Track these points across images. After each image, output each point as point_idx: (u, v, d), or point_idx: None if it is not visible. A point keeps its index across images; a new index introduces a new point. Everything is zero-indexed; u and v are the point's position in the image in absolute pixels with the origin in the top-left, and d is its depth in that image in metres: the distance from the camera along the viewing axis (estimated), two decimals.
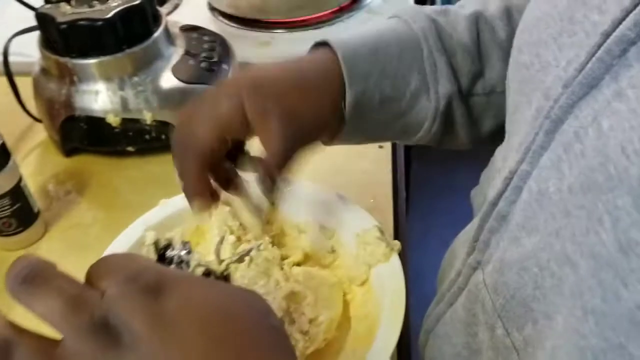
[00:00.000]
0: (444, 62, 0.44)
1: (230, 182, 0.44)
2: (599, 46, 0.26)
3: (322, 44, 0.46)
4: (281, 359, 0.25)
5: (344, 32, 0.85)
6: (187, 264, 0.39)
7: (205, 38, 0.71)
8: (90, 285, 0.24)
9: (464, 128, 0.47)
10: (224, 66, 0.69)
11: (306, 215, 0.53)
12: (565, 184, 0.27)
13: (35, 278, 0.23)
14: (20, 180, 0.57)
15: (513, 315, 0.30)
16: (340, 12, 0.88)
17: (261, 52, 0.83)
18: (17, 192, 0.56)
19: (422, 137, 0.47)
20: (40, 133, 0.72)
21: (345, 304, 0.48)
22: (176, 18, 0.91)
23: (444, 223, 1.76)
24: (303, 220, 0.53)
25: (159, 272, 0.24)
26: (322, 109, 0.42)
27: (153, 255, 0.40)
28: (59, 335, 0.23)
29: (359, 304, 0.47)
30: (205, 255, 0.47)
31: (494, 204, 0.33)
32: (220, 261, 0.45)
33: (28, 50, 0.74)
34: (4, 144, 0.54)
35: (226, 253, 0.48)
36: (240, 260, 0.45)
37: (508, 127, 0.37)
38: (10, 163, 0.55)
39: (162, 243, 0.40)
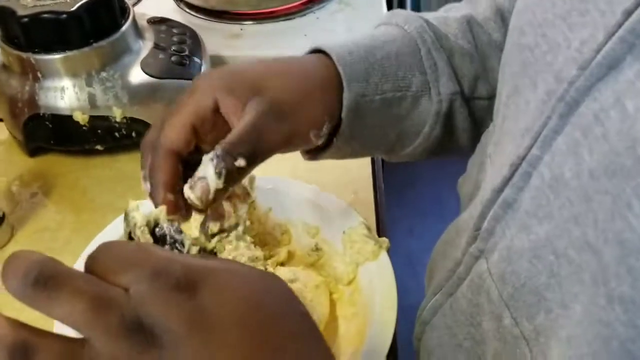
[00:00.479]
0: (444, 61, 0.43)
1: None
2: (620, 25, 0.25)
3: (313, 53, 0.44)
4: (315, 346, 0.25)
5: (316, 23, 0.84)
6: (182, 243, 0.37)
7: (175, 31, 0.69)
8: (106, 281, 0.22)
9: (466, 132, 0.45)
10: (196, 59, 0.67)
11: (288, 213, 0.52)
12: (585, 169, 0.26)
13: (48, 280, 0.21)
14: None
15: (523, 304, 0.29)
16: (311, 3, 0.86)
17: (231, 44, 0.81)
18: None
19: (419, 144, 0.45)
20: (1, 132, 0.69)
21: (332, 304, 0.47)
22: (141, 10, 0.88)
23: (410, 214, 1.79)
24: (285, 218, 0.52)
25: (185, 264, 0.23)
26: (311, 103, 0.40)
27: (148, 237, 0.38)
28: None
29: (346, 304, 0.47)
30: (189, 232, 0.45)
31: (499, 190, 0.32)
32: (210, 237, 0.43)
33: None
34: None
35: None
36: (227, 233, 0.43)
37: (503, 111, 0.36)
38: None
39: (152, 224, 0.38)
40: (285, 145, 0.39)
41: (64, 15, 0.57)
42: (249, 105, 0.37)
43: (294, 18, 0.85)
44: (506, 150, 0.34)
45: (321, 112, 0.40)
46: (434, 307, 0.40)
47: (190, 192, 0.35)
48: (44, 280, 0.21)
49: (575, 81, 0.27)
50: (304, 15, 0.85)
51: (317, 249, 0.50)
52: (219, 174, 0.34)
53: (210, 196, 0.35)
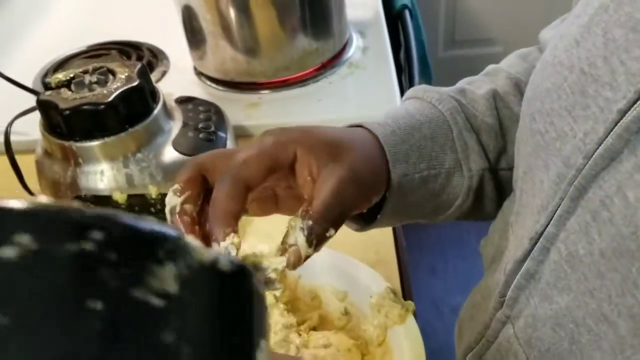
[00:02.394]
0: (474, 141, 0.46)
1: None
2: (616, 122, 0.29)
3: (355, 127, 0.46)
4: None
5: (328, 88, 0.89)
6: None
7: (200, 108, 0.74)
8: None
9: (493, 202, 0.48)
10: (221, 134, 0.72)
11: (317, 279, 0.55)
12: (596, 248, 0.29)
13: None
14: None
15: None
16: (323, 68, 0.92)
17: (251, 113, 0.86)
18: None
19: (451, 214, 0.47)
20: None
21: None
22: (164, 84, 0.94)
23: (431, 253, 1.81)
24: (315, 284, 0.55)
25: None
26: (376, 173, 0.41)
27: None
28: None
29: None
30: None
31: (521, 261, 0.35)
32: None
33: (25, 129, 0.77)
34: None
35: None
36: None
37: (520, 185, 0.39)
38: None
39: None
40: (357, 210, 0.40)
41: (102, 106, 0.63)
42: (327, 170, 0.37)
43: (308, 84, 0.90)
44: (526, 224, 0.37)
45: (380, 184, 0.42)
46: None
47: (284, 257, 0.36)
48: None
49: (582, 168, 0.31)
50: (317, 80, 0.91)
51: (346, 312, 0.53)
52: (310, 243, 0.35)
53: (301, 262, 0.36)
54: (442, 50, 2.02)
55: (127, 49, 1.03)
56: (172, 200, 0.39)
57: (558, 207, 0.32)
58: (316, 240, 0.35)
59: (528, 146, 0.37)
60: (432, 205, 0.46)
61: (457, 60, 1.98)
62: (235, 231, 0.35)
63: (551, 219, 0.33)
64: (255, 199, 0.41)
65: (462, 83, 0.51)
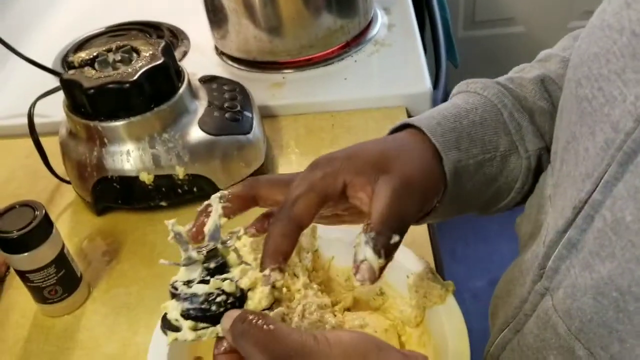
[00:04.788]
0: (527, 121, 0.45)
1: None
2: None
3: (396, 130, 0.46)
4: None
5: (354, 66, 0.87)
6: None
7: (225, 87, 0.73)
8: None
9: None
10: (247, 114, 0.71)
11: (351, 261, 0.54)
12: None
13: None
14: (63, 247, 0.57)
15: (594, 336, 0.31)
16: (348, 46, 0.90)
17: (275, 92, 0.85)
18: (61, 260, 0.57)
19: (512, 198, 0.46)
20: (68, 193, 0.73)
21: (401, 346, 0.49)
22: (185, 65, 0.93)
23: (452, 238, 1.79)
24: (349, 265, 0.54)
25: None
26: (428, 174, 0.41)
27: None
28: None
29: (415, 346, 0.48)
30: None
31: (563, 232, 0.35)
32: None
33: (48, 110, 0.76)
34: (46, 214, 0.55)
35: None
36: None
37: (561, 155, 0.38)
38: (53, 232, 0.56)
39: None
40: (420, 213, 0.41)
41: (127, 85, 0.61)
42: (379, 184, 0.39)
43: (333, 63, 0.88)
44: (567, 193, 0.36)
45: (436, 180, 0.42)
46: (502, 343, 0.42)
47: (358, 276, 0.38)
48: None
49: (632, 132, 0.30)
50: (342, 59, 0.88)
51: (381, 293, 0.52)
52: (378, 253, 0.37)
53: (377, 275, 0.37)
54: (462, 30, 1.98)
55: (147, 29, 1.01)
56: (214, 202, 0.40)
57: (605, 173, 0.32)
58: (383, 249, 0.37)
59: (573, 114, 0.36)
60: (491, 192, 0.46)
61: (478, 41, 1.94)
62: (282, 269, 0.39)
63: (597, 186, 0.32)
64: (322, 217, 0.44)
65: (511, 72, 0.50)
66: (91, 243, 0.68)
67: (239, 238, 0.41)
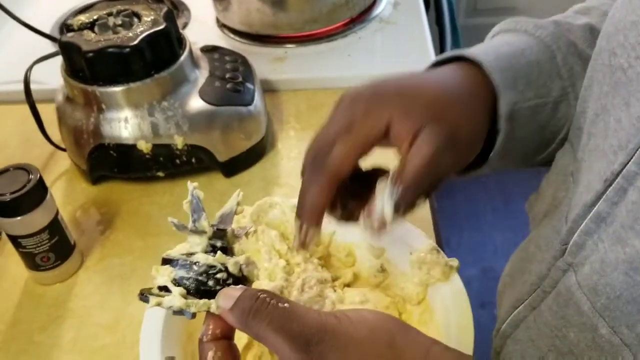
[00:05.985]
0: (580, 66, 0.42)
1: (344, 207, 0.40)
2: None
3: (443, 62, 0.43)
4: None
5: (358, 43, 0.86)
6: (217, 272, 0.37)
7: (227, 58, 0.71)
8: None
9: None
10: (249, 85, 0.69)
11: (353, 235, 0.53)
12: None
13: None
14: (57, 213, 0.56)
15: (620, 313, 0.30)
16: (352, 23, 0.88)
17: (277, 67, 0.83)
18: (55, 226, 0.56)
19: (553, 149, 0.44)
20: (63, 161, 0.71)
21: None
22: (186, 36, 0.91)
23: (446, 226, 1.79)
24: (350, 241, 0.53)
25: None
26: (477, 125, 0.38)
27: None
28: None
29: (416, 323, 0.47)
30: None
31: (591, 205, 0.33)
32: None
33: (44, 77, 0.74)
34: (41, 178, 0.54)
35: (277, 275, 0.48)
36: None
37: (588, 129, 0.37)
38: (48, 197, 0.55)
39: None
40: (452, 174, 0.38)
41: (127, 49, 0.60)
42: (425, 133, 0.35)
43: (337, 39, 0.86)
44: (594, 167, 0.34)
45: (483, 133, 0.39)
46: (515, 321, 0.41)
47: (367, 225, 0.36)
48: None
49: None
50: (346, 36, 0.87)
51: (382, 270, 0.51)
52: (398, 210, 0.35)
53: (386, 230, 0.35)
54: (463, 18, 1.96)
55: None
56: (235, 195, 0.39)
57: None
58: (404, 208, 0.35)
59: (604, 85, 0.35)
60: (537, 140, 0.43)
61: (478, 29, 1.92)
62: (319, 226, 0.38)
63: (632, 158, 0.31)
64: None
65: (556, 16, 0.47)
66: (85, 212, 0.66)
67: (246, 235, 0.40)
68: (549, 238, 0.39)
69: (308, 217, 0.37)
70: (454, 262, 0.46)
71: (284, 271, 0.48)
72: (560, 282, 0.36)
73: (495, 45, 0.42)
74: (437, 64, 0.43)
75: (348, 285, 0.52)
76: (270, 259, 0.49)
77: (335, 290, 0.49)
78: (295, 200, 0.47)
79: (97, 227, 0.64)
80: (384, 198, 0.35)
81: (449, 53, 0.42)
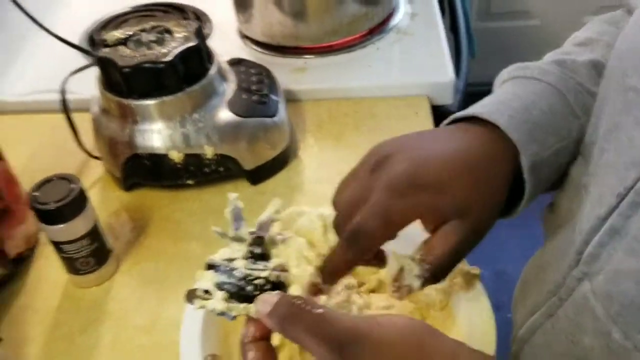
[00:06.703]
0: (592, 102, 0.44)
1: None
2: None
3: (455, 121, 0.45)
4: None
5: (376, 54, 0.88)
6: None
7: (252, 71, 0.74)
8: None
9: None
10: (273, 97, 0.72)
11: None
12: None
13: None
14: (96, 221, 0.59)
15: (632, 320, 0.32)
16: (370, 34, 0.91)
17: (297, 77, 0.86)
18: (94, 233, 0.59)
19: None
20: (96, 169, 0.75)
21: None
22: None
23: None
24: None
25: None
26: (501, 196, 0.41)
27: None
28: None
29: (439, 329, 0.50)
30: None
31: (604, 218, 0.35)
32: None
33: (75, 87, 0.77)
34: (82, 188, 0.57)
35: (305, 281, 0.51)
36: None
37: (600, 144, 0.39)
38: (88, 206, 0.58)
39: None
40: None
41: (162, 65, 0.63)
42: (453, 225, 0.39)
43: (355, 50, 0.89)
44: (607, 182, 0.37)
45: (504, 196, 0.42)
46: (532, 327, 0.43)
47: (396, 294, 0.41)
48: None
49: None
50: (365, 47, 0.89)
51: None
52: (421, 285, 0.40)
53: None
54: (476, 21, 1.98)
55: (171, 11, 1.02)
56: (276, 202, 0.43)
57: None
58: (429, 283, 0.40)
59: (617, 102, 0.37)
60: (558, 177, 0.46)
61: (492, 33, 1.94)
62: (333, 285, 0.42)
63: None
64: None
65: (554, 55, 0.49)
66: (119, 218, 0.69)
67: (283, 242, 0.43)
68: (563, 248, 0.41)
69: (329, 280, 0.41)
70: (476, 270, 0.48)
71: (312, 277, 0.51)
72: (575, 290, 0.38)
73: (506, 101, 0.44)
74: (453, 120, 0.45)
75: (373, 291, 0.55)
76: (299, 265, 0.52)
77: (361, 296, 0.52)
78: (322, 210, 0.50)
79: (131, 233, 0.67)
80: (412, 277, 0.40)
81: (463, 113, 0.44)
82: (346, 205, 0.41)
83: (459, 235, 0.39)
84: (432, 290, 0.51)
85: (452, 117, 0.45)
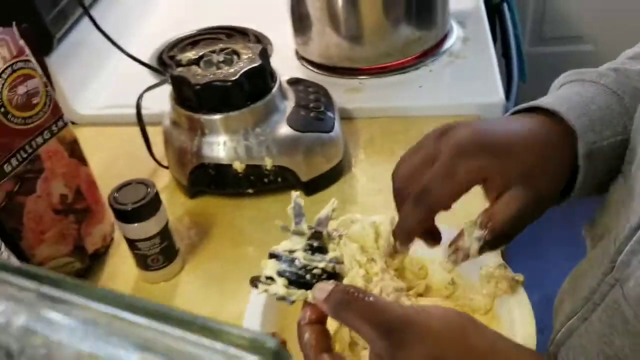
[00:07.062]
0: None
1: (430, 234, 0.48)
2: None
3: (518, 112, 0.48)
4: None
5: (429, 75, 0.92)
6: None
7: (310, 89, 0.79)
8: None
9: None
10: (329, 114, 0.77)
11: (424, 251, 0.59)
12: None
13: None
14: (167, 221, 0.65)
15: None
16: (424, 56, 0.95)
17: (352, 97, 0.90)
18: (165, 232, 0.65)
19: None
20: (164, 177, 0.81)
21: None
22: None
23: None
24: (421, 255, 0.59)
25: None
26: (560, 175, 0.43)
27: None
28: None
29: None
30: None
31: (637, 228, 0.38)
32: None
33: (146, 103, 0.84)
34: (157, 192, 0.63)
35: (357, 284, 0.55)
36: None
37: (638, 163, 0.41)
38: (161, 208, 0.64)
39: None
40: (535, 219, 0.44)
41: (229, 83, 0.69)
42: (516, 191, 0.41)
43: (409, 71, 0.93)
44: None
45: (563, 180, 0.44)
46: (569, 330, 0.46)
47: (452, 258, 0.45)
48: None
49: None
50: (418, 68, 0.94)
51: (453, 282, 0.57)
52: (482, 251, 0.42)
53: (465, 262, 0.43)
54: (528, 46, 1.99)
55: (234, 34, 1.09)
56: (331, 204, 0.47)
57: None
58: (487, 249, 0.42)
59: None
60: (608, 176, 0.47)
61: (543, 57, 1.94)
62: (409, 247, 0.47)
63: None
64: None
65: (609, 64, 0.51)
66: (184, 222, 0.75)
67: (340, 237, 0.47)
68: (600, 258, 0.44)
69: (404, 240, 0.44)
70: (520, 277, 0.51)
71: (364, 280, 0.55)
72: (608, 295, 0.40)
73: (565, 96, 0.46)
74: (515, 112, 0.48)
75: (420, 295, 0.58)
76: (352, 268, 0.56)
77: (409, 299, 0.55)
78: (374, 218, 0.54)
79: (195, 236, 0.73)
80: (472, 239, 0.42)
81: (525, 105, 0.47)
82: (410, 173, 0.44)
83: (521, 201, 0.41)
84: (478, 295, 0.54)
85: (513, 109, 0.48)
